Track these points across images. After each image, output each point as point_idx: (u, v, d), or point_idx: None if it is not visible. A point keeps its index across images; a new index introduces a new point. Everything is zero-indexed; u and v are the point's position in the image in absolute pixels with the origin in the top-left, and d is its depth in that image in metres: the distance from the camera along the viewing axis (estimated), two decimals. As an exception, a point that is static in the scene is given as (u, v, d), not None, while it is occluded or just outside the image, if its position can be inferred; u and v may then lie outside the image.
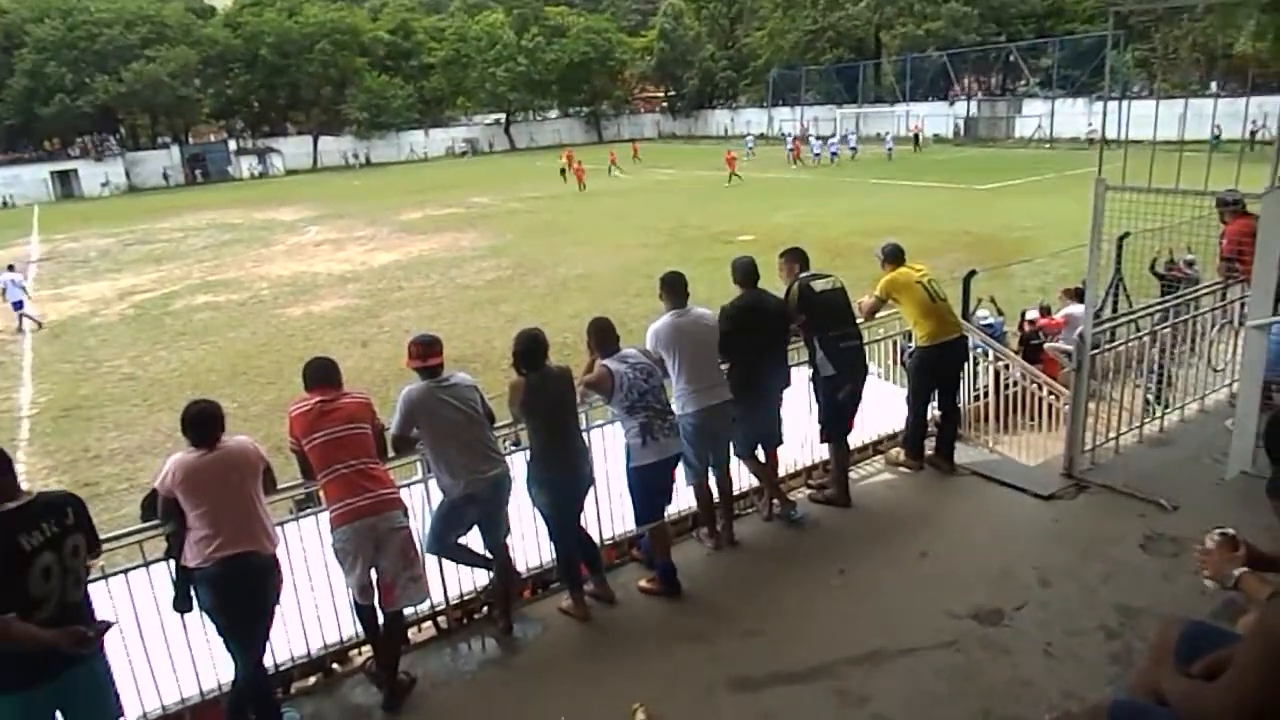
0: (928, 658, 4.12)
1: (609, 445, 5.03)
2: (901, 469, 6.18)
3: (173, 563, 3.87)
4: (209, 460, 3.77)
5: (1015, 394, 6.88)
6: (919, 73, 56.77)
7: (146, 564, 4.03)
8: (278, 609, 4.00)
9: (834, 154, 43.48)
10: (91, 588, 3.75)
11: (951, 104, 53.95)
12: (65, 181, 58.23)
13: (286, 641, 4.36)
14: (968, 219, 23.31)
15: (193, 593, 3.83)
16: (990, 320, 9.71)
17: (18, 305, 19.14)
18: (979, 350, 6.78)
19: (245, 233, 31.79)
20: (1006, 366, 6.92)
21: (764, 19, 67.63)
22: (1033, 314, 10.45)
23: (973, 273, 7.45)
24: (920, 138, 48.01)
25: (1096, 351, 5.76)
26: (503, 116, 75.47)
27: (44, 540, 3.08)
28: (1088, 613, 4.30)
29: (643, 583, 4.97)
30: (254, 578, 3.81)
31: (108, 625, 3.28)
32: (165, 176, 60.74)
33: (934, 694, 3.87)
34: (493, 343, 14.10)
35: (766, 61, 66.55)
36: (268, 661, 4.16)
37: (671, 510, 5.12)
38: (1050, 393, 6.84)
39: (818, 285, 5.47)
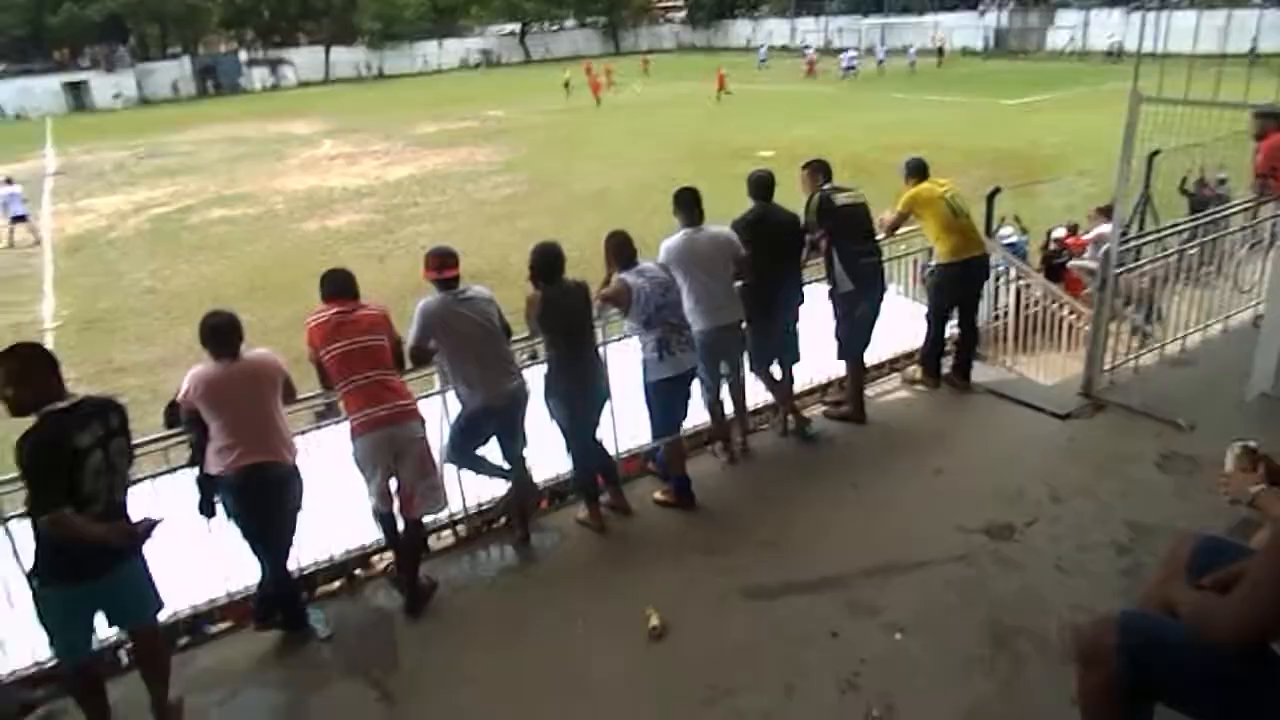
0: (939, 570, 4.18)
1: (625, 359, 5.04)
2: (918, 387, 6.17)
3: (196, 470, 3.94)
4: (228, 372, 3.80)
5: (1036, 313, 6.81)
6: (949, -19, 54.58)
7: (172, 470, 4.11)
8: (300, 515, 4.09)
9: (849, 68, 41.77)
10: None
11: (981, 14, 51.95)
12: (77, 93, 57.49)
13: (311, 547, 4.47)
14: (994, 135, 22.75)
15: (216, 499, 3.92)
16: (1014, 239, 9.56)
17: (18, 218, 19.14)
18: (1000, 268, 6.69)
19: (259, 146, 31.44)
20: (1028, 285, 6.84)
21: (788, -77, 64.93)
22: (1059, 232, 10.27)
23: (997, 190, 7.27)
24: (944, 50, 45.98)
25: (1121, 270, 5.67)
26: (518, 27, 73.43)
27: (94, 440, 3.19)
28: (1100, 529, 4.33)
29: (658, 495, 5.04)
30: (274, 486, 3.89)
31: (154, 523, 3.35)
32: (176, 88, 59.81)
33: (944, 604, 3.94)
34: (509, 258, 14.01)
35: (790, -32, 64.19)
36: (293, 565, 4.28)
37: (687, 425, 5.15)
38: (1071, 312, 6.78)
39: (839, 198, 5.37)
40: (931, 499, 4.84)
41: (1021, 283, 6.78)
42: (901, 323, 6.33)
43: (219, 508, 3.94)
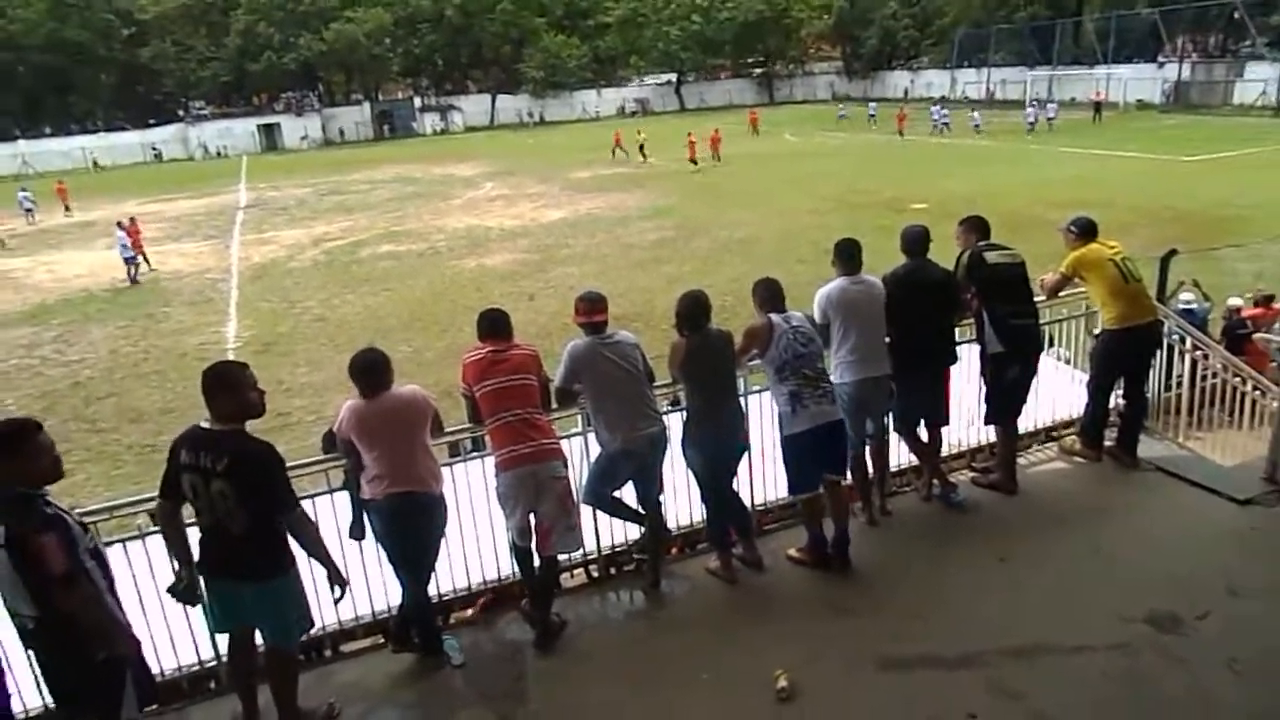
0: (1093, 658, 3.89)
1: (766, 410, 5.00)
2: (1076, 458, 5.82)
3: (350, 492, 4.17)
4: (379, 407, 4.01)
5: (1213, 386, 6.30)
6: (1124, 32, 51.94)
7: (330, 491, 4.37)
8: (443, 543, 4.25)
9: (942, 122, 40.78)
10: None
11: (1160, 66, 49.16)
12: (269, 134, 63.26)
13: (449, 574, 4.63)
14: (1171, 193, 21.35)
15: (367, 522, 4.13)
16: (1193, 305, 8.91)
17: (129, 260, 20.29)
18: (1175, 337, 6.24)
19: (425, 186, 33.41)
20: (1205, 356, 6.34)
21: (954, -25, 63.84)
22: (1235, 301, 9.50)
23: (1173, 252, 6.80)
24: (1101, 105, 42.69)
25: (1317, 346, 5.18)
26: (674, 76, 75.31)
27: (195, 466, 3.47)
28: (1283, 631, 3.93)
29: (792, 551, 4.94)
30: (419, 514, 4.06)
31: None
32: (356, 131, 64.63)
33: (1098, 698, 3.66)
34: (654, 302, 14.27)
35: (953, 20, 63.00)
36: (431, 591, 4.44)
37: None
38: (1255, 388, 6.22)
39: (991, 257, 5.17)
40: (1087, 580, 4.52)
41: (1198, 353, 6.30)
42: (1062, 389, 5.99)
43: (368, 531, 4.14)
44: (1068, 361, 6.55)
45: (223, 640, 4.03)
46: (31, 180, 47.82)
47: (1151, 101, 47.12)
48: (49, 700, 3.62)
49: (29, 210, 32.16)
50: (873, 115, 46.78)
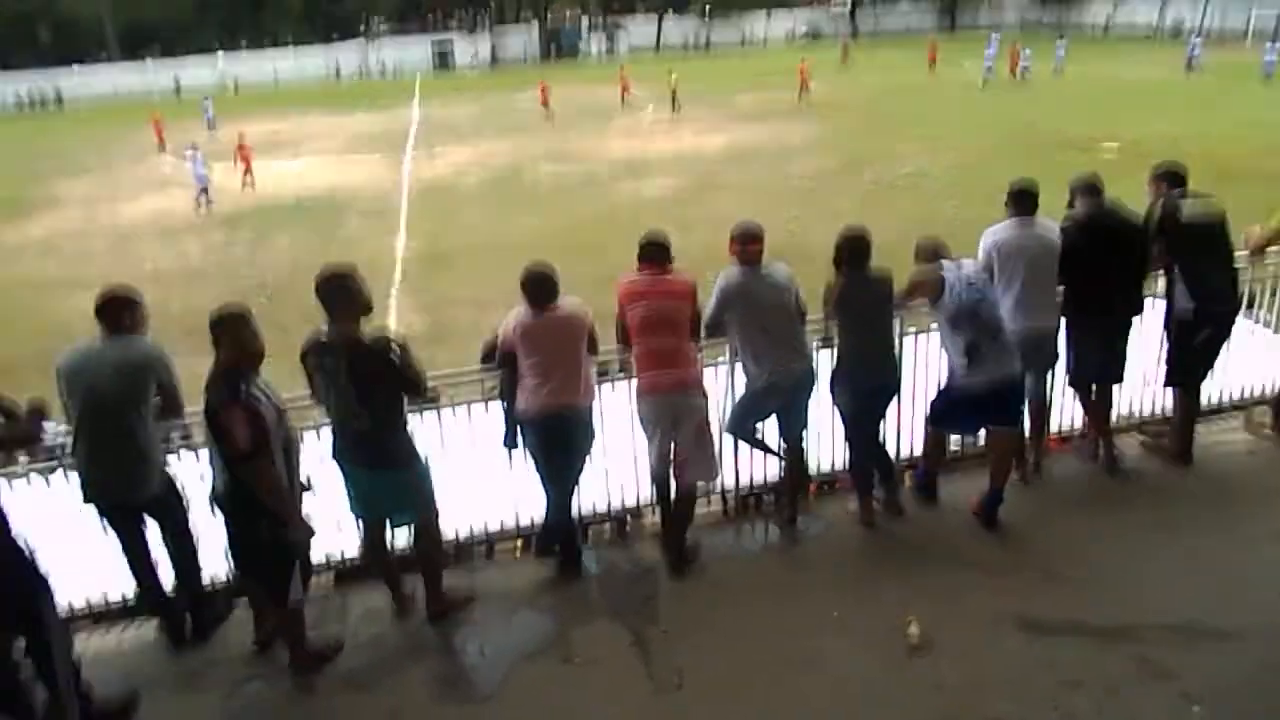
0: (1258, 646, 3.63)
1: (921, 354, 4.83)
2: (1264, 434, 5.33)
3: (504, 405, 4.36)
4: (544, 319, 4.15)
5: None
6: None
7: (485, 400, 4.57)
8: (588, 460, 4.40)
9: (1024, 67, 34.24)
10: (443, 414, 4.38)
11: None
12: (441, 55, 64.91)
13: (591, 493, 4.78)
14: None
15: (519, 433, 4.31)
16: None
17: (201, 180, 20.53)
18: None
19: (590, 109, 33.47)
20: None
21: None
22: None
23: None
24: None
25: None
26: (849, 1, 71.67)
27: (325, 370, 3.78)
28: None
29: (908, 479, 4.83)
30: (572, 428, 4.22)
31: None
32: (523, 51, 65.39)
33: (1258, 686, 3.43)
34: (811, 236, 13.89)
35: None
36: (574, 506, 4.61)
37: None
38: None
39: (1188, 207, 4.71)
40: (1260, 565, 4.20)
41: None
42: (1259, 357, 5.47)
43: (520, 441, 4.33)
44: (1268, 326, 5.95)
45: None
46: (245, 94, 51.36)
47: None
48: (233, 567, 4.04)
49: (209, 120, 34.31)
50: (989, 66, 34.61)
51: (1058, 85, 32.38)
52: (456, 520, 4.61)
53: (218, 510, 3.73)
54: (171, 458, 4.15)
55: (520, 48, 66.11)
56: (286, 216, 19.74)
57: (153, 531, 4.09)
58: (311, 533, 3.80)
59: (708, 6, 66.50)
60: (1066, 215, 4.79)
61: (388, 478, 3.96)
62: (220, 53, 60.94)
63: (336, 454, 3.96)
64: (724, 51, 61.23)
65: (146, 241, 18.19)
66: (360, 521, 4.17)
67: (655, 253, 4.33)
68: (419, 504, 4.09)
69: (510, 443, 4.38)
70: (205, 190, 20.58)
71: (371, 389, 3.77)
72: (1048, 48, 36.76)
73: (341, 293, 3.78)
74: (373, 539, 4.22)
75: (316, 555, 4.25)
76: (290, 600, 3.79)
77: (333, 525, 4.41)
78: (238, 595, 4.31)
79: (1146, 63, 36.30)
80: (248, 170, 22.68)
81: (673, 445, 4.32)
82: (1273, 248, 5.20)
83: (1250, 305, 5.54)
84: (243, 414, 3.43)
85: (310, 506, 3.88)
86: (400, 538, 4.40)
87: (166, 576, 4.17)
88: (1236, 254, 4.94)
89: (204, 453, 3.90)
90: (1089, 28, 58.35)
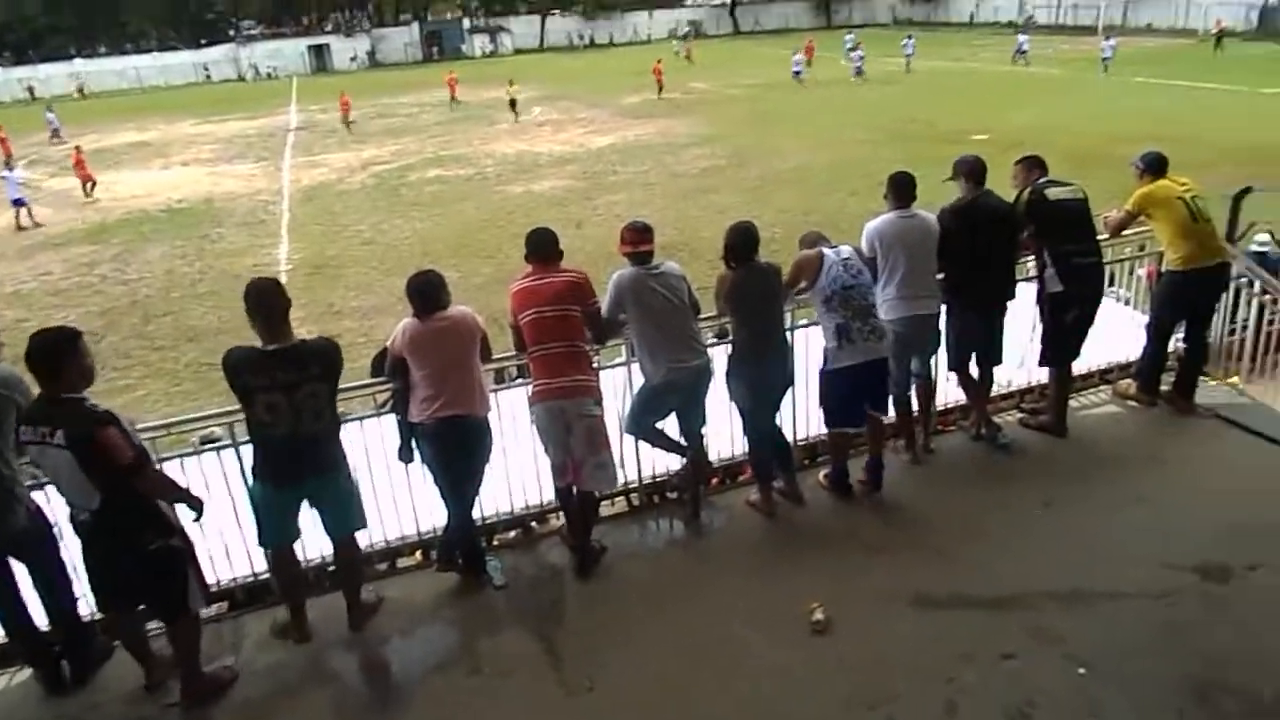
0: (1137, 606, 3.85)
1: (811, 346, 4.94)
2: (1131, 403, 5.68)
3: (398, 417, 4.24)
4: (434, 327, 4.05)
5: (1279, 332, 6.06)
6: (1210, -47, 48.88)
7: (378, 414, 4.44)
8: (488, 467, 4.32)
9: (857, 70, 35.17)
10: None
11: (1247, -11, 46.27)
12: (319, 55, 62.91)
13: (493, 498, 4.71)
14: (1250, 128, 20.30)
15: (415, 445, 4.20)
16: (1266, 249, 8.54)
17: (18, 203, 19.20)
18: (1242, 280, 6.00)
19: (474, 110, 33.06)
20: (1275, 300, 6.09)
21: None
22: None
23: (1246, 190, 6.48)
24: (1223, 35, 37.73)
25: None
26: (729, -1, 73.09)
27: (273, 384, 3.60)
28: (1341, 584, 3.84)
29: (821, 477, 4.95)
30: (467, 437, 4.13)
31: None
32: (404, 53, 64.00)
33: (1139, 645, 3.62)
34: (701, 232, 14.07)
35: (1025, -61, 59.68)
36: (476, 514, 4.53)
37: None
38: (1326, 335, 5.98)
39: (1052, 193, 4.99)
40: (1134, 526, 4.45)
41: (1267, 298, 6.05)
42: (1119, 331, 5.82)
43: (416, 454, 4.22)
44: (1128, 302, 6.35)
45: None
46: (86, 101, 48.51)
47: (1234, 28, 44.47)
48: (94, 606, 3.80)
49: (55, 130, 32.40)
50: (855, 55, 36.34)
51: (928, 80, 33.71)
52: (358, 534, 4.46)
53: (89, 541, 3.49)
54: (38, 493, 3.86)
55: (401, 48, 64.69)
56: (158, 228, 18.78)
57: (20, 570, 3.80)
58: (192, 545, 3.67)
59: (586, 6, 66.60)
60: (946, 204, 4.99)
61: (328, 485, 3.86)
62: (77, 59, 57.53)
63: (268, 473, 3.80)
64: (607, 50, 61.34)
65: (4, 261, 16.99)
66: (272, 542, 3.99)
67: (542, 248, 4.28)
68: (356, 508, 4.02)
69: (406, 456, 4.26)
70: (24, 206, 19.34)
71: (331, 390, 3.77)
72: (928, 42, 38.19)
73: (279, 300, 3.71)
74: (283, 559, 4.04)
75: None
76: (191, 607, 3.64)
77: (221, 552, 4.21)
78: (115, 637, 4.05)
79: (1004, 58, 38.15)
80: (87, 181, 21.74)
81: (568, 454, 4.29)
82: (1128, 230, 5.54)
83: (1111, 283, 5.91)
84: (117, 429, 3.30)
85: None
86: (306, 553, 4.23)
87: (38, 618, 3.88)
88: (1099, 236, 5.24)
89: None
90: (954, 24, 61.06)
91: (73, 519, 3.50)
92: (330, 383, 3.77)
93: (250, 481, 3.90)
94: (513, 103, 30.68)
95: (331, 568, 4.40)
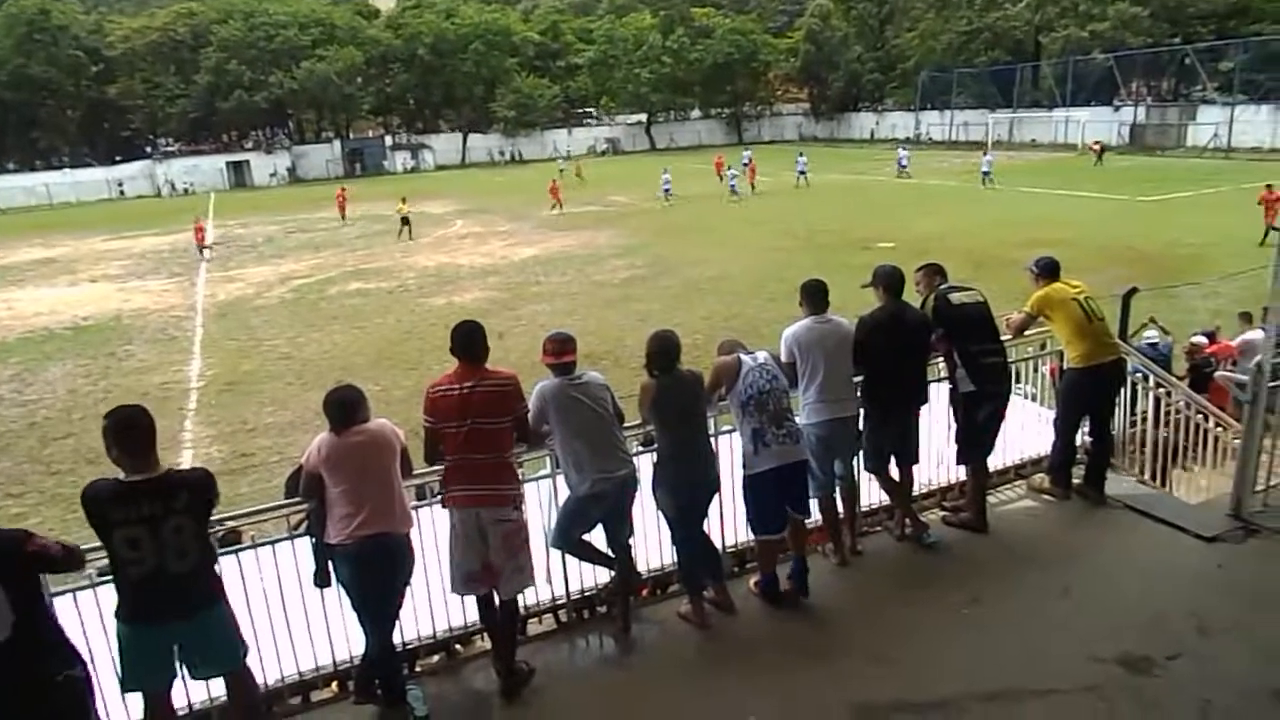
0: (1067, 702, 3.86)
1: (736, 452, 4.96)
2: (1045, 497, 5.84)
3: (312, 539, 4.06)
4: (352, 441, 3.93)
5: (1177, 423, 6.38)
6: (1081, 76, 53.50)
7: (292, 537, 4.26)
8: (408, 588, 4.14)
9: (902, 165, 39.59)
10: (243, 556, 4.06)
11: (1116, 110, 50.62)
12: (239, 171, 62.98)
13: (414, 620, 4.50)
14: (1130, 233, 21.84)
15: (331, 568, 4.01)
16: (1157, 340, 9.06)
17: None
18: (1138, 375, 6.33)
19: (395, 224, 33.27)
20: (1169, 393, 6.43)
21: (916, 20, 65.44)
22: (1198, 339, 9.68)
23: (1133, 290, 6.92)
24: (1104, 151, 41.14)
25: (1276, 384, 5.26)
26: (644, 117, 76.30)
27: (138, 517, 3.35)
28: (1255, 673, 3.93)
29: (751, 584, 4.90)
30: (389, 557, 3.96)
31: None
32: (326, 169, 64.54)
33: (1072, 742, 3.62)
34: (624, 341, 14.24)
35: (917, 63, 64.50)
36: (396, 639, 4.32)
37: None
38: (1218, 425, 6.32)
39: (955, 297, 5.24)
40: (1059, 620, 4.50)
41: (1161, 390, 6.38)
42: (1030, 427, 6.03)
43: (332, 577, 4.03)
44: (1034, 398, 6.60)
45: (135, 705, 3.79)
46: (-8, 217, 47.20)
47: (1109, 143, 48.43)
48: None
49: None
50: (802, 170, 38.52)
51: (835, 192, 35.45)
52: (266, 666, 4.18)
53: None
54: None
55: (322, 165, 65.28)
56: (61, 346, 18.08)
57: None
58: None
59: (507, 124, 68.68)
60: (867, 314, 5.16)
61: (201, 623, 3.54)
62: (-19, 175, 56.39)
63: (134, 614, 3.46)
64: (528, 165, 62.94)
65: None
66: (139, 688, 3.62)
67: (470, 346, 4.17)
68: (237, 644, 3.70)
69: (322, 581, 4.06)
70: None
71: (197, 524, 3.48)
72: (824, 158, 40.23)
73: (143, 430, 3.44)
74: (158, 709, 3.71)
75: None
76: None
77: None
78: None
79: (917, 171, 40.51)
80: None
81: (483, 560, 4.15)
82: (1029, 330, 5.81)
83: (1017, 381, 6.16)
84: (38, 538, 3.18)
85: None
86: (193, 695, 3.92)
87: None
88: (1001, 336, 5.48)
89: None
90: (856, 140, 64.77)
91: None
92: (198, 516, 3.50)
93: (116, 623, 3.53)
94: (405, 220, 30.11)
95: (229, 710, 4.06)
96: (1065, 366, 5.68)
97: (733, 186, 35.06)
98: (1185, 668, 4.00)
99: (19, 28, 60.90)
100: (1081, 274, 5.99)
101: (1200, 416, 6.35)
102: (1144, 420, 6.43)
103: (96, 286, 25.04)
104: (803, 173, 38.09)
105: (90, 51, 64.16)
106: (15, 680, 3.16)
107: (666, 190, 34.65)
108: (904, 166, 39.78)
